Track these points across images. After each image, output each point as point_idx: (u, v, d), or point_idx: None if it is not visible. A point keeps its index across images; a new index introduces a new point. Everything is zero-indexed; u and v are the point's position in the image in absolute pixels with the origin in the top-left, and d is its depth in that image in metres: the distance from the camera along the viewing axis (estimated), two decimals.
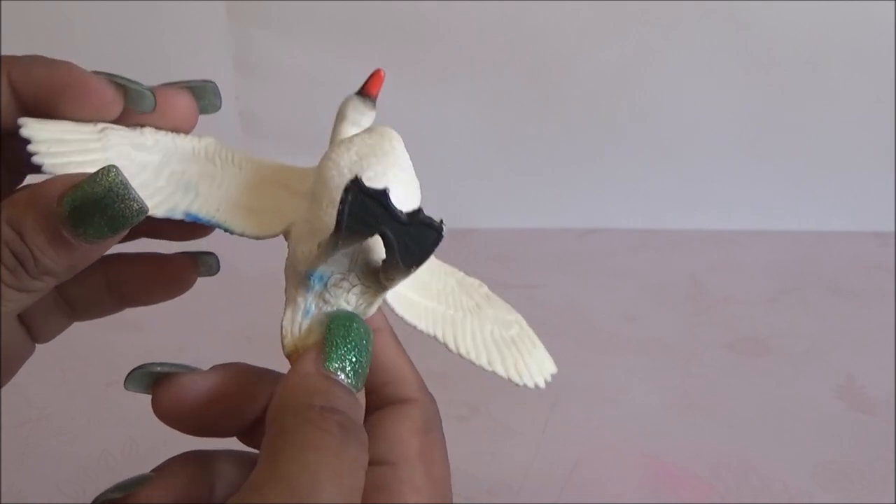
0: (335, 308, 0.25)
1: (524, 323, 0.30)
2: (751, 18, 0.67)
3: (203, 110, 0.29)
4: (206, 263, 0.30)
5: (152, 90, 0.27)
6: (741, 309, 0.63)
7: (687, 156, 0.73)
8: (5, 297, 0.23)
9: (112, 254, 0.28)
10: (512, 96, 0.71)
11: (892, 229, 0.72)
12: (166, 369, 0.26)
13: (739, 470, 0.47)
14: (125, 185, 0.23)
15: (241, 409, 0.26)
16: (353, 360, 0.23)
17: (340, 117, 0.30)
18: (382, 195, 0.22)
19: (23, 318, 0.30)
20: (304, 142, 0.73)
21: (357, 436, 0.22)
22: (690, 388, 0.54)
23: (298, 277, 0.25)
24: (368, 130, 0.28)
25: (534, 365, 0.30)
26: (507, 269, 0.66)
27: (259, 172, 0.29)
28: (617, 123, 0.71)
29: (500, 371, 0.28)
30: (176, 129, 0.28)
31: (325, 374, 0.23)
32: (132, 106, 0.27)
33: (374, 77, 0.30)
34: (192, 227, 0.28)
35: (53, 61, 0.26)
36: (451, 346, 0.27)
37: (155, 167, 0.27)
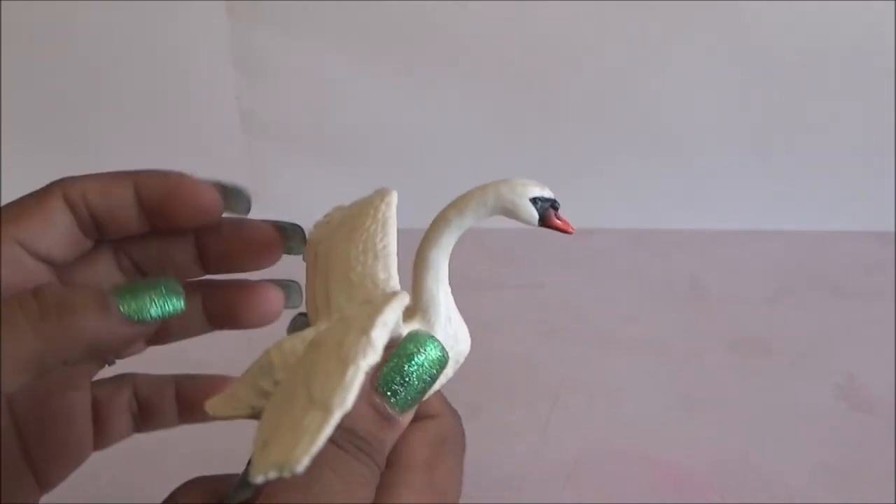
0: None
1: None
2: (751, 19, 0.67)
3: (288, 251, 0.32)
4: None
5: (248, 194, 0.30)
6: (741, 309, 0.63)
7: (687, 156, 0.73)
8: (23, 337, 0.25)
9: (182, 374, 0.33)
10: (512, 96, 0.71)
11: (892, 229, 0.72)
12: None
13: (739, 470, 0.47)
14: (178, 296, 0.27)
15: None
16: (409, 386, 0.24)
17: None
18: None
19: (98, 422, 0.32)
20: (304, 141, 0.73)
21: (372, 458, 0.23)
22: (690, 388, 0.54)
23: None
24: None
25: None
26: (508, 269, 0.66)
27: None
28: (617, 124, 0.71)
29: None
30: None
31: (369, 396, 0.24)
32: (231, 209, 0.30)
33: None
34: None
35: (169, 172, 0.29)
36: None
37: None
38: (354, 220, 0.29)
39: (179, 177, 0.29)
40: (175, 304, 0.27)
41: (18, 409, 0.30)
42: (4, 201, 0.28)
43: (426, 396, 0.25)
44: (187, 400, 0.33)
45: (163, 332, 0.32)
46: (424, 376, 0.24)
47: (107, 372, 0.33)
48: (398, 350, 0.24)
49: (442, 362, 0.25)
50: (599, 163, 0.73)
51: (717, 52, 0.69)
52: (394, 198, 0.29)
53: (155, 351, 0.33)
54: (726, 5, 0.67)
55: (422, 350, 0.24)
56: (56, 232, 0.28)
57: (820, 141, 0.71)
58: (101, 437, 0.33)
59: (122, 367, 0.33)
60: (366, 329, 0.22)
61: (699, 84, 0.70)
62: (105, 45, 0.68)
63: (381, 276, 0.27)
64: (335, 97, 0.71)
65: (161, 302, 0.27)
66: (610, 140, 0.72)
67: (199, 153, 0.72)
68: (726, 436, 0.50)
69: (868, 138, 0.71)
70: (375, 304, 0.24)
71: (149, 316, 0.26)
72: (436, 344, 0.25)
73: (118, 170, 0.30)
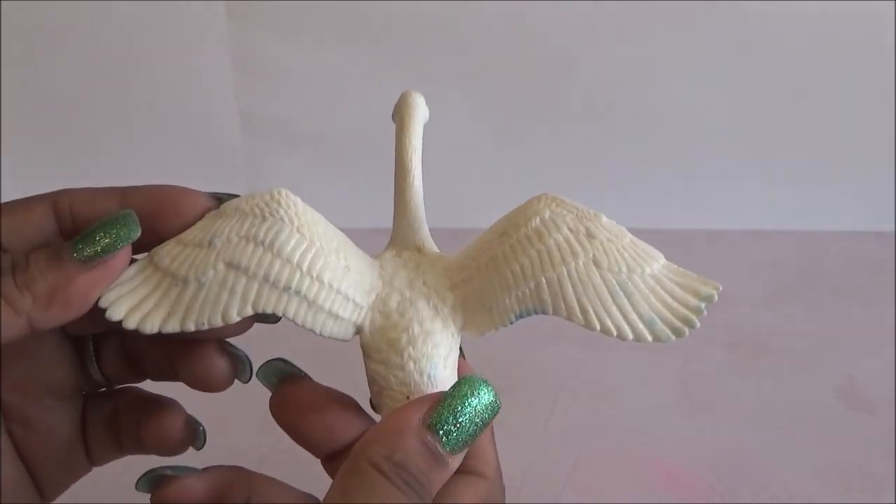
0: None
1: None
2: (751, 18, 0.67)
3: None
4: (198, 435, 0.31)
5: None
6: (741, 309, 0.63)
7: (687, 156, 0.73)
8: None
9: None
10: (512, 96, 0.71)
11: (893, 229, 0.72)
12: (169, 472, 0.28)
13: (739, 470, 0.47)
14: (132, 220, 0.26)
15: None
16: (461, 427, 0.24)
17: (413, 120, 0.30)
18: None
19: (86, 438, 0.31)
20: (304, 141, 0.73)
21: (421, 496, 0.24)
22: (690, 388, 0.54)
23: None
24: None
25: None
26: None
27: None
28: (617, 123, 0.71)
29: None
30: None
31: (420, 433, 0.24)
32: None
33: None
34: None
35: (160, 185, 0.28)
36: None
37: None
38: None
39: (170, 188, 0.28)
40: (126, 232, 0.26)
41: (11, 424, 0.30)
42: (4, 199, 0.28)
43: (476, 440, 0.25)
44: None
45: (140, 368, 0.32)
46: (477, 419, 0.25)
47: None
48: (453, 391, 0.25)
49: (495, 408, 0.25)
50: (599, 163, 0.73)
51: (717, 52, 0.69)
52: (284, 198, 0.28)
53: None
54: (727, 5, 0.67)
55: (476, 393, 0.25)
56: (32, 232, 0.27)
57: (820, 141, 0.71)
58: (94, 452, 0.32)
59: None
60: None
61: (699, 84, 0.70)
62: (105, 44, 0.68)
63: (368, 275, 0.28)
64: (335, 97, 0.71)
65: (113, 232, 0.26)
66: (610, 140, 0.72)
67: (199, 153, 0.72)
68: (726, 436, 0.50)
69: (868, 138, 0.71)
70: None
71: (101, 249, 0.25)
72: (490, 388, 0.25)
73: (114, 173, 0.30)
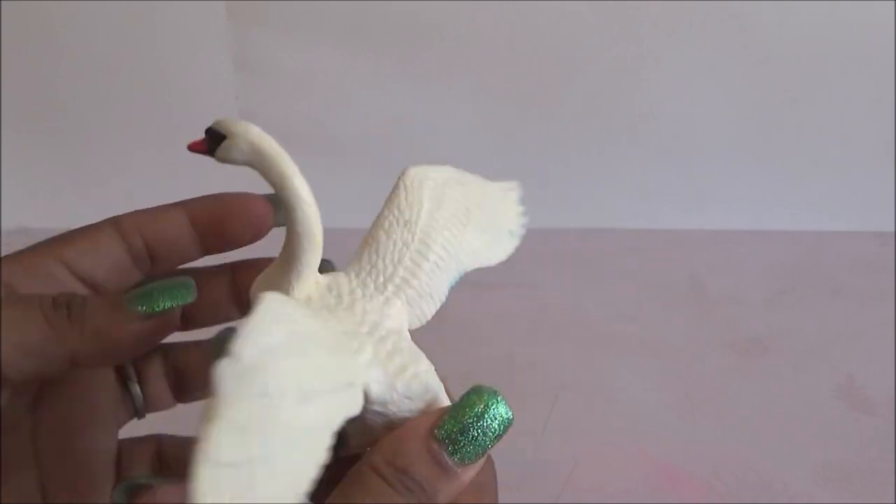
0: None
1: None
2: (751, 19, 0.67)
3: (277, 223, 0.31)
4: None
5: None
6: (741, 309, 0.63)
7: (687, 155, 0.73)
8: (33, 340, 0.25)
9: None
10: (512, 96, 0.71)
11: (892, 229, 0.72)
12: (143, 481, 0.28)
13: (739, 470, 0.47)
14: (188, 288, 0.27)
15: None
16: (468, 438, 0.24)
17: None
18: None
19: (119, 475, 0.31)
20: (303, 142, 0.73)
21: (419, 501, 0.23)
22: (690, 388, 0.54)
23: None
24: None
25: None
26: (507, 269, 0.66)
27: None
28: (617, 123, 0.71)
29: None
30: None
31: (425, 440, 0.24)
32: (281, 222, 0.29)
33: None
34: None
35: (219, 194, 0.30)
36: None
37: None
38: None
39: (229, 196, 0.30)
40: (185, 295, 0.27)
41: (42, 444, 0.30)
42: (4, 199, 0.29)
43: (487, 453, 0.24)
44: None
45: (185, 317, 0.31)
46: (488, 432, 0.24)
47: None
48: (460, 401, 0.24)
49: (506, 419, 0.25)
50: (599, 163, 0.73)
51: (717, 52, 0.69)
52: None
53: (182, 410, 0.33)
54: (727, 5, 0.67)
55: (484, 403, 0.24)
56: (101, 256, 0.28)
57: (820, 141, 0.71)
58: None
59: (151, 420, 0.33)
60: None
61: (700, 84, 0.70)
62: (105, 44, 0.68)
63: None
64: (335, 97, 0.71)
65: (171, 294, 0.27)
66: (610, 140, 0.72)
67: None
68: (726, 436, 0.50)
69: (868, 138, 0.71)
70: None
71: (158, 307, 0.27)
72: (500, 400, 0.25)
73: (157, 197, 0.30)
